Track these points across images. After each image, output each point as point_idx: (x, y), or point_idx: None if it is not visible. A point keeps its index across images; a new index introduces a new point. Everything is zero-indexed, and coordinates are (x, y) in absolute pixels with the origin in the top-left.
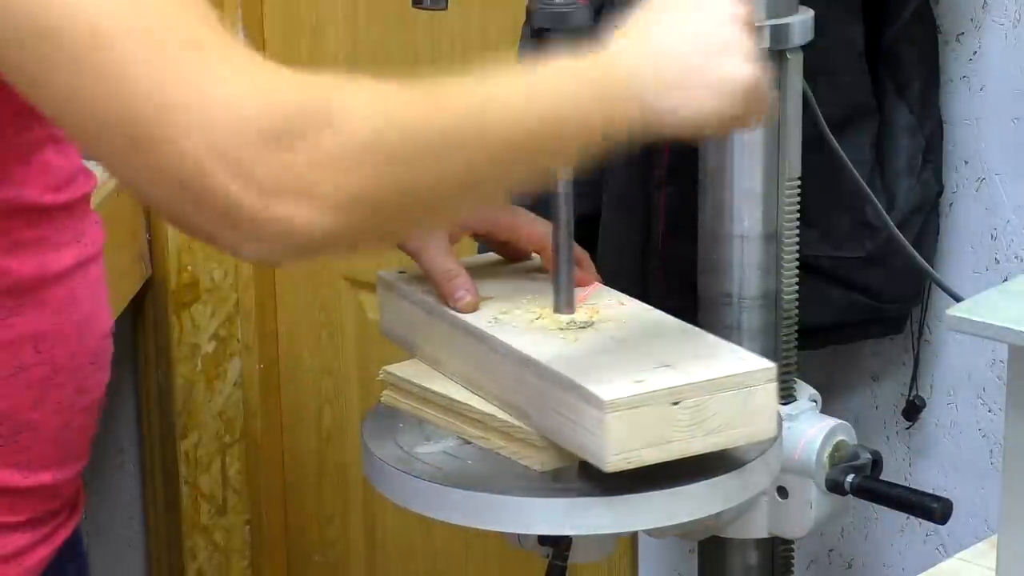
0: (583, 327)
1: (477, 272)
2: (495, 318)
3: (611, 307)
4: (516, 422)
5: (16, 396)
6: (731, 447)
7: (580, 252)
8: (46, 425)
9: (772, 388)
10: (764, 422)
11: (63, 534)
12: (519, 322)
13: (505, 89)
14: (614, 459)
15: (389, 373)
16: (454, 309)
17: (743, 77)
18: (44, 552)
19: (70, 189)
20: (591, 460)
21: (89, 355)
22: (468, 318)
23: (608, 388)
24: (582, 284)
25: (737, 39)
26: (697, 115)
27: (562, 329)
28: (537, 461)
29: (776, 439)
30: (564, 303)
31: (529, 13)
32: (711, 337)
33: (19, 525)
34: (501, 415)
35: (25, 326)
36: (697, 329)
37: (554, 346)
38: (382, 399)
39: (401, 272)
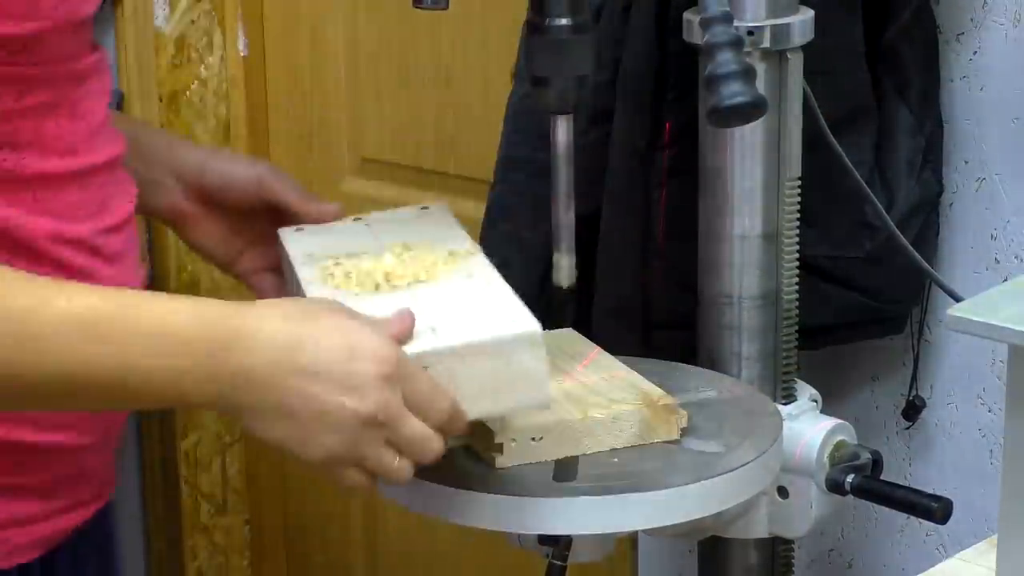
0: (396, 288)
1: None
2: (332, 272)
3: (447, 271)
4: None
5: None
6: (499, 414)
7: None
8: None
9: (537, 353)
10: (531, 388)
11: (81, 515)
12: (343, 278)
13: (97, 344)
14: None
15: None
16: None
17: (355, 414)
18: (57, 526)
19: (77, 157)
20: None
21: None
22: (307, 268)
23: None
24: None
25: (366, 379)
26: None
27: (375, 288)
28: (495, 459)
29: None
30: (564, 276)
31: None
32: (508, 297)
33: (29, 490)
34: None
35: None
36: (503, 287)
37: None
38: None
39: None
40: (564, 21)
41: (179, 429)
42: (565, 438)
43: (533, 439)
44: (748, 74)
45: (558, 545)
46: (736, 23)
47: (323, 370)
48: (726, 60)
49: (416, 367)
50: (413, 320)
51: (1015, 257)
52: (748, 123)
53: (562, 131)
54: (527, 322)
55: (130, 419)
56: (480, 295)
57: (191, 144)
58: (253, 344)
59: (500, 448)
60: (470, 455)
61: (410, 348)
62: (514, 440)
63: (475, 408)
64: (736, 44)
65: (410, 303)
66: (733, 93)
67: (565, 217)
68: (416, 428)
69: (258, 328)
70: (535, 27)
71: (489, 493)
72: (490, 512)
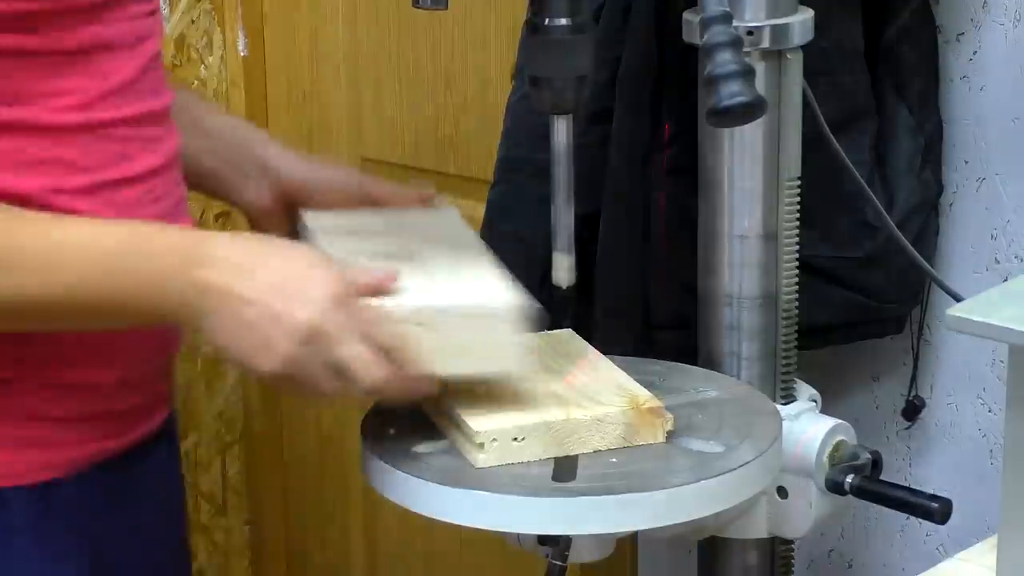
0: (406, 257)
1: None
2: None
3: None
4: (465, 417)
5: None
6: (465, 377)
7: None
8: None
9: (512, 327)
10: (500, 359)
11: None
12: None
13: (76, 250)
14: None
15: None
16: None
17: (303, 321)
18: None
19: (95, 110)
20: None
21: None
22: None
23: None
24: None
25: (317, 294)
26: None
27: (386, 256)
28: (476, 458)
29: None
30: (564, 276)
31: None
32: (498, 276)
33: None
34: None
35: None
36: (496, 270)
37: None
38: None
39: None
40: (564, 21)
41: (179, 429)
42: (548, 439)
43: (515, 439)
44: (747, 74)
45: (558, 545)
46: (735, 23)
47: (278, 283)
48: (725, 60)
49: (363, 302)
50: (393, 280)
51: (1015, 257)
52: (748, 123)
53: (562, 131)
54: (507, 298)
55: None
56: (471, 273)
57: (280, 144)
58: (214, 260)
59: (481, 447)
60: (463, 455)
61: (392, 301)
62: (495, 440)
63: (443, 367)
64: (735, 44)
65: (405, 270)
66: (732, 93)
67: (565, 217)
68: (357, 350)
69: (221, 249)
70: (535, 27)
71: (488, 492)
72: (490, 512)
